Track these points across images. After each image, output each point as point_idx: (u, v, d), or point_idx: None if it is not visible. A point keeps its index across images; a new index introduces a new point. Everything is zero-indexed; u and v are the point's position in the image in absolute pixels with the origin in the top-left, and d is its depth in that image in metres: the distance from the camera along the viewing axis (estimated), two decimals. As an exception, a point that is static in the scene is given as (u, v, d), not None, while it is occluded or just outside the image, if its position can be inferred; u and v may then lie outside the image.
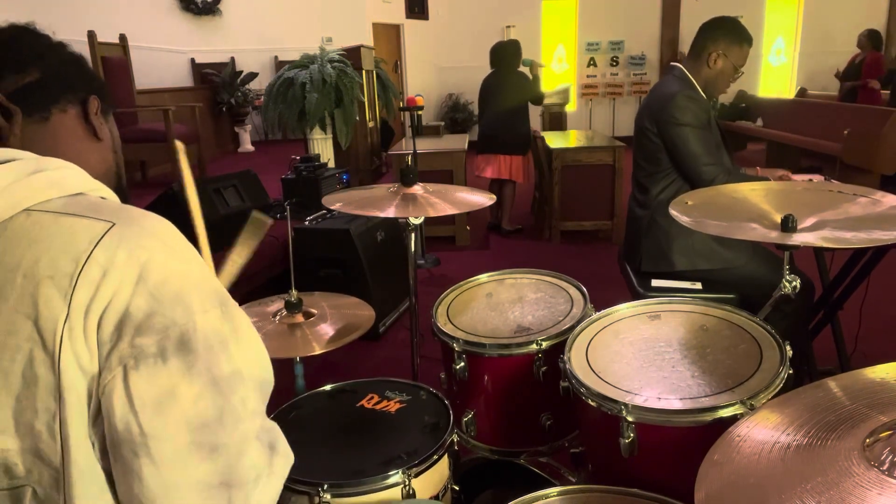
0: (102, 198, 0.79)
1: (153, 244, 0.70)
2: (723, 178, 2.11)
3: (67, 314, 0.65)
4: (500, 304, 1.79)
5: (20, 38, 0.83)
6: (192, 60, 8.18)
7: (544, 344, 1.57)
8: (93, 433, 0.67)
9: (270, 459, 0.75)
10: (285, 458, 0.79)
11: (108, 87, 0.92)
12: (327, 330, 1.66)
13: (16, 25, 0.84)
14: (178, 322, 0.68)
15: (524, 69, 5.12)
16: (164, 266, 0.69)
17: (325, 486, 1.21)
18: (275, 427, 0.81)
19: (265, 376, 0.77)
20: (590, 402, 1.29)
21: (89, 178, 0.79)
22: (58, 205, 0.71)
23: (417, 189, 1.90)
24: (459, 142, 5.52)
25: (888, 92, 7.26)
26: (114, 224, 0.70)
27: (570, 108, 9.71)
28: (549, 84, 9.96)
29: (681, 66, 2.28)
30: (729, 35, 2.22)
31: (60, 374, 0.65)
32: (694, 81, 2.24)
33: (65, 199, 0.73)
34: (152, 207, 2.95)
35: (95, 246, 0.67)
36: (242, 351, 0.73)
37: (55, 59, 0.84)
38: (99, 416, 0.67)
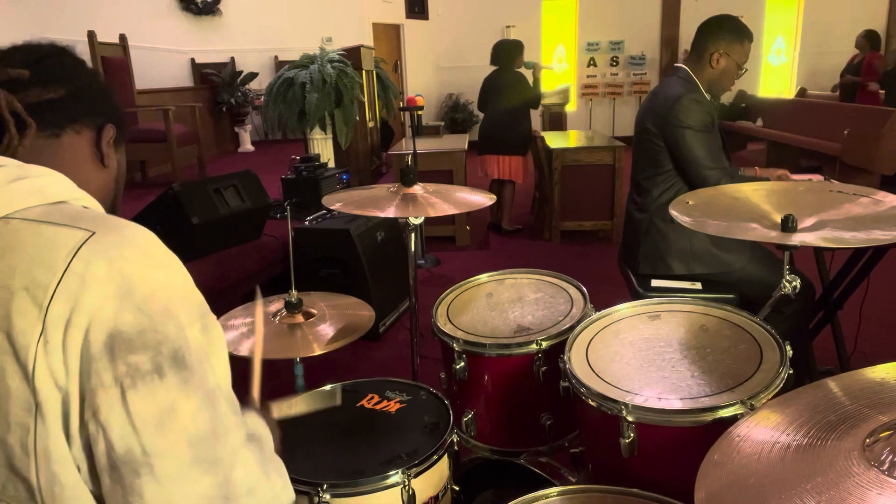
0: (85, 207, 0.77)
1: (134, 255, 0.68)
2: (726, 182, 2.09)
3: (43, 327, 0.63)
4: (500, 304, 1.79)
5: (54, 56, 0.84)
6: (192, 60, 8.18)
7: (544, 344, 1.57)
8: (78, 455, 0.65)
9: (265, 468, 0.75)
10: (278, 472, 0.79)
11: (127, 122, 0.92)
12: (327, 330, 1.66)
13: (53, 45, 0.85)
14: (170, 338, 0.67)
15: (526, 72, 5.12)
16: (147, 278, 0.68)
17: (325, 486, 1.21)
18: (269, 437, 0.82)
19: (230, 385, 0.77)
20: (590, 402, 1.29)
21: (74, 186, 0.77)
22: (37, 213, 0.70)
23: (417, 189, 1.90)
24: (459, 142, 5.52)
25: (884, 91, 7.26)
26: (93, 233, 0.68)
27: (570, 108, 9.72)
28: (549, 84, 9.97)
29: (685, 67, 2.27)
30: (729, 33, 2.21)
31: (35, 388, 0.63)
32: (698, 82, 2.23)
33: (45, 206, 0.71)
34: (152, 207, 2.96)
35: (73, 256, 0.65)
36: (218, 363, 0.73)
37: (83, 81, 0.85)
38: (81, 436, 0.64)
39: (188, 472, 0.66)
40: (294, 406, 1.13)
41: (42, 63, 0.81)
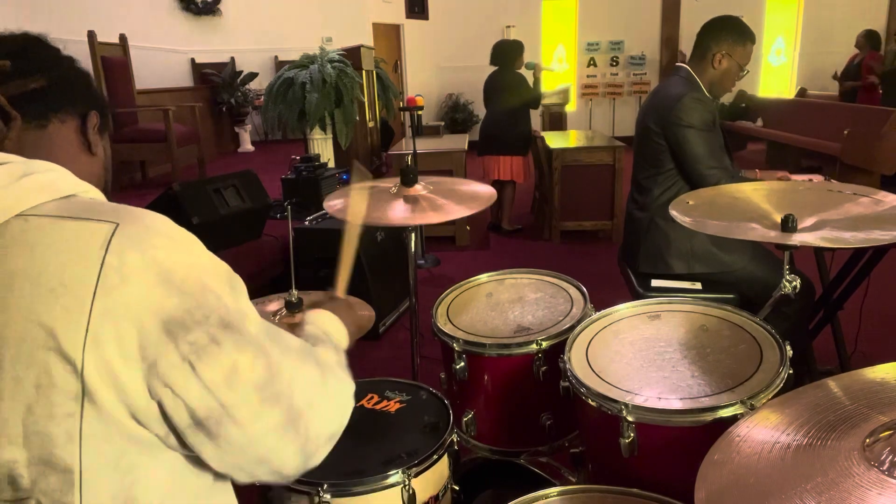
0: (92, 199, 0.79)
1: (161, 242, 0.72)
2: (726, 181, 2.09)
3: (88, 321, 0.65)
4: (500, 304, 1.79)
5: (31, 46, 0.85)
6: (192, 60, 8.17)
7: (544, 344, 1.57)
8: (156, 425, 0.71)
9: (323, 377, 0.83)
10: (335, 375, 0.86)
11: (110, 109, 0.94)
12: (327, 330, 1.66)
13: (28, 35, 0.86)
14: (214, 309, 0.72)
15: (527, 72, 5.12)
16: (179, 262, 0.72)
17: (325, 486, 1.21)
18: (325, 350, 0.90)
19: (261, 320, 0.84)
20: (590, 402, 1.29)
21: (77, 179, 0.79)
22: (53, 208, 0.72)
23: (418, 189, 1.90)
24: (459, 142, 5.52)
25: (883, 91, 7.26)
26: (117, 224, 0.70)
27: (570, 108, 9.72)
28: (549, 84, 9.97)
29: (686, 66, 2.27)
30: (732, 34, 2.21)
31: (84, 378, 0.65)
32: (699, 82, 2.23)
33: (58, 201, 0.73)
34: (152, 208, 2.95)
35: (106, 250, 0.68)
36: (252, 314, 0.79)
37: (63, 70, 0.86)
38: (153, 408, 0.70)
39: (261, 411, 0.74)
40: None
41: (21, 54, 0.82)
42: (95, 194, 0.80)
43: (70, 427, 0.66)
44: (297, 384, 0.79)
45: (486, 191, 1.87)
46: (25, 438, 0.66)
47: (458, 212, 1.79)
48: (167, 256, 0.71)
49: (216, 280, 0.75)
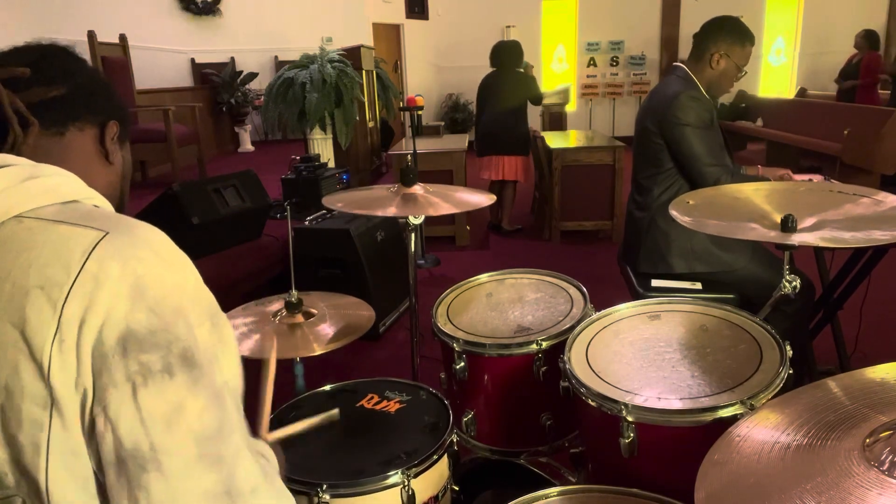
0: (96, 206, 0.78)
1: (147, 255, 0.69)
2: (726, 179, 2.09)
3: (58, 325, 0.64)
4: (500, 304, 1.79)
5: (53, 55, 0.85)
6: (192, 60, 8.18)
7: (544, 344, 1.57)
8: (90, 450, 0.66)
9: (264, 470, 0.75)
10: (275, 471, 0.79)
11: (130, 119, 0.93)
12: (327, 330, 1.66)
13: (52, 44, 0.86)
14: (180, 337, 0.68)
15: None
16: (160, 279, 0.69)
17: (325, 486, 1.21)
18: (259, 442, 0.81)
19: (240, 384, 0.77)
20: (590, 402, 1.29)
21: (84, 185, 0.78)
22: (50, 212, 0.71)
23: (417, 189, 1.90)
24: (459, 142, 5.52)
25: (888, 92, 7.25)
26: (107, 233, 0.69)
27: (570, 108, 9.71)
28: (549, 84, 9.98)
29: (684, 66, 2.27)
30: (731, 35, 2.21)
31: (52, 385, 0.64)
32: (697, 82, 2.23)
33: (58, 206, 0.72)
34: (152, 208, 2.95)
35: (88, 256, 0.66)
36: (227, 362, 0.74)
37: (84, 79, 0.86)
38: (93, 431, 0.65)
39: (193, 469, 0.66)
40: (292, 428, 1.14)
41: (43, 62, 0.82)
42: (100, 202, 0.79)
43: (36, 437, 0.64)
44: (244, 460, 0.72)
45: (485, 199, 1.87)
46: (4, 439, 0.65)
47: (454, 209, 1.80)
48: (148, 271, 0.68)
49: (195, 308, 0.71)
